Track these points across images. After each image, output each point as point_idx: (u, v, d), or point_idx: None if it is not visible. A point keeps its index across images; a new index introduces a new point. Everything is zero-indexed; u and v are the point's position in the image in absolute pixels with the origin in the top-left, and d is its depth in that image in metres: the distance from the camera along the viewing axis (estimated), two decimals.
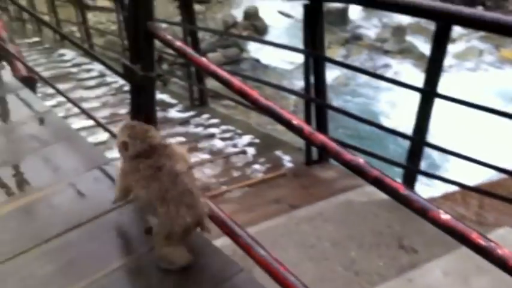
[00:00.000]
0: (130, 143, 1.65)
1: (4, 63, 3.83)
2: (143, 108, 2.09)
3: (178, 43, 1.94)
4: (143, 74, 1.98)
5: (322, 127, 3.56)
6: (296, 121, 1.50)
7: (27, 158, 2.35)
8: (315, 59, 3.44)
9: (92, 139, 3.89)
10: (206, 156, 4.02)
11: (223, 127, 4.51)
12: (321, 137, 1.44)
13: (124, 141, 1.66)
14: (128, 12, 2.03)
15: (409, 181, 3.16)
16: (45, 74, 6.06)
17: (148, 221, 1.80)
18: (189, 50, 1.91)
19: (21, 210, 2.03)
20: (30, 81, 3.70)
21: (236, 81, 1.66)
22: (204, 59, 1.82)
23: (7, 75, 3.39)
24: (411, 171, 3.15)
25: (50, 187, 2.14)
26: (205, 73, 1.79)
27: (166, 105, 5.13)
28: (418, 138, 3.03)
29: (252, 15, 13.60)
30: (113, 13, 8.91)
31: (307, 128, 1.47)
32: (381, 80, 3.34)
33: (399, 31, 12.14)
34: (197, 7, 11.25)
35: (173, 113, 4.98)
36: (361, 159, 1.35)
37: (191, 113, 4.98)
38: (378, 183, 1.25)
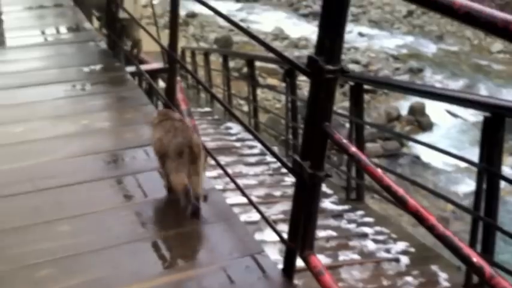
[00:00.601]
0: (156, 116, 2.71)
1: None
2: (307, 202, 2.06)
3: (353, 149, 1.91)
4: (312, 172, 1.97)
5: (488, 249, 3.25)
6: (476, 259, 1.37)
7: (187, 234, 2.41)
8: (490, 175, 3.20)
9: (244, 217, 3.93)
10: (356, 256, 3.85)
11: (377, 228, 4.31)
12: (503, 284, 1.30)
13: (154, 116, 2.76)
14: (306, 111, 2.05)
15: None
16: (211, 144, 6.37)
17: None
18: (363, 157, 1.86)
19: (172, 286, 2.07)
20: None
21: (412, 201, 1.56)
22: (378, 170, 1.75)
23: None
24: None
25: (203, 267, 2.17)
26: (378, 184, 1.71)
27: (322, 195, 5.08)
28: None
29: (417, 110, 13.39)
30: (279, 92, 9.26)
31: (488, 270, 1.33)
32: None
33: None
34: None
35: (327, 204, 4.90)
36: None
37: (345, 207, 4.85)
38: None
